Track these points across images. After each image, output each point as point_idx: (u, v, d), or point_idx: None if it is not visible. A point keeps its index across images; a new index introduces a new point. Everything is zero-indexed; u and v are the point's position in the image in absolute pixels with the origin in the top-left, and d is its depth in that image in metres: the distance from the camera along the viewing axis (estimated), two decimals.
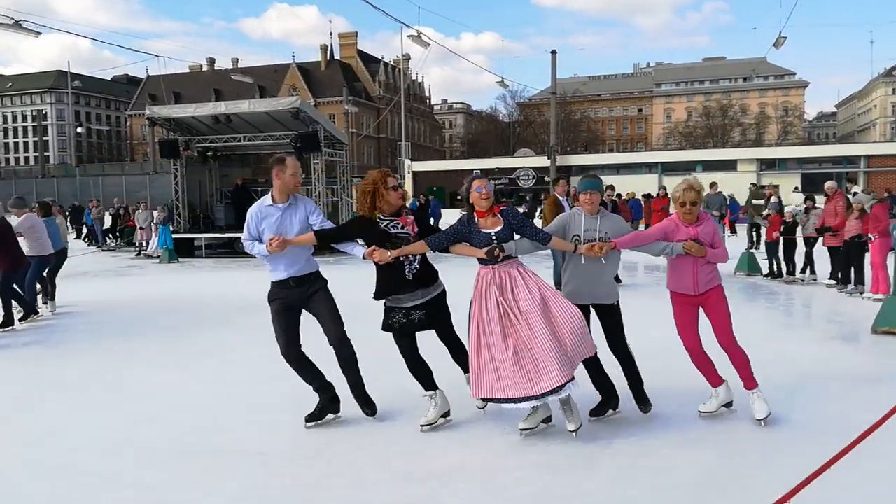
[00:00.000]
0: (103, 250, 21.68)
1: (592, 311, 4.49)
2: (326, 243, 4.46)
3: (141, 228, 19.64)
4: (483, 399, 4.24)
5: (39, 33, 19.75)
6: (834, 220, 10.14)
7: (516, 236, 4.29)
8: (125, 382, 5.93)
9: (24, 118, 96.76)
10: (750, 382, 4.49)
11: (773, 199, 14.31)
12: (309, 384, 4.60)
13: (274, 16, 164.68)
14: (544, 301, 4.11)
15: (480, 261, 4.20)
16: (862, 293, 9.38)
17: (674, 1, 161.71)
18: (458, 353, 4.56)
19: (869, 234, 9.10)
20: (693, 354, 4.54)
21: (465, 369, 4.44)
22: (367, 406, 4.61)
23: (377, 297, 4.36)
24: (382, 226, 4.25)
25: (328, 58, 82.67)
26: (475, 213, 4.23)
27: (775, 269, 11.53)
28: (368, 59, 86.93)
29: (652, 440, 4.24)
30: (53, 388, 5.80)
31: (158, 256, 17.48)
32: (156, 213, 18.95)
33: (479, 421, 4.67)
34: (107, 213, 24.45)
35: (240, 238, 15.07)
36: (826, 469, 2.61)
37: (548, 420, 4.34)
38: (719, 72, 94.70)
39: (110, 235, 23.29)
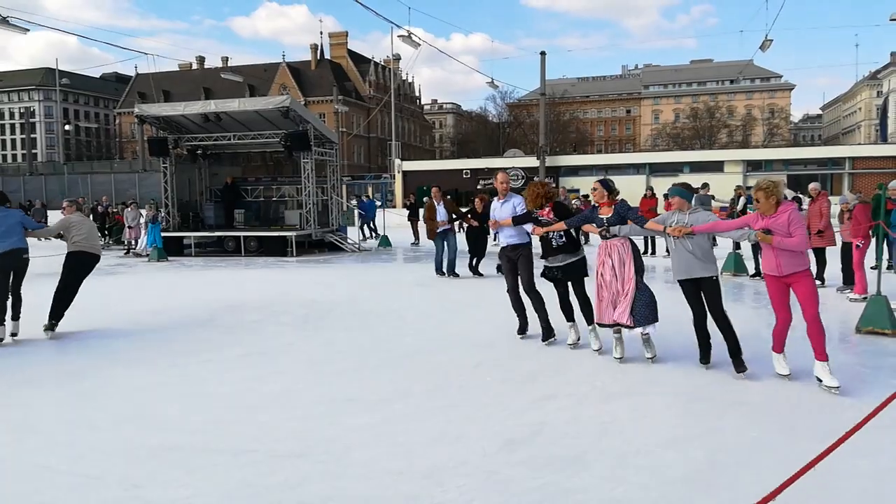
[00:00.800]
0: None
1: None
2: (519, 223, 6.72)
3: (129, 227, 19.49)
4: (598, 324, 6.16)
5: (27, 30, 19.61)
6: (818, 222, 10.25)
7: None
8: (114, 381, 5.89)
9: (12, 115, 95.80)
10: (819, 355, 5.05)
11: (741, 198, 14.42)
12: (514, 312, 7.06)
13: (263, 15, 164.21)
14: (627, 271, 5.84)
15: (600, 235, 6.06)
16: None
17: (661, 3, 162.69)
18: (584, 309, 6.41)
19: (856, 243, 9.17)
20: (782, 324, 5.28)
21: (589, 322, 6.37)
22: (548, 335, 6.71)
23: (542, 257, 6.53)
24: (534, 216, 6.52)
25: (318, 57, 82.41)
26: (599, 204, 6.11)
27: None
28: (359, 59, 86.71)
29: (640, 439, 4.29)
30: (43, 387, 5.76)
31: (147, 255, 17.39)
32: (143, 212, 18.81)
33: (471, 421, 4.73)
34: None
35: (228, 236, 16.03)
36: (813, 467, 2.66)
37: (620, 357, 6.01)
38: (706, 74, 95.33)
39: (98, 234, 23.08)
